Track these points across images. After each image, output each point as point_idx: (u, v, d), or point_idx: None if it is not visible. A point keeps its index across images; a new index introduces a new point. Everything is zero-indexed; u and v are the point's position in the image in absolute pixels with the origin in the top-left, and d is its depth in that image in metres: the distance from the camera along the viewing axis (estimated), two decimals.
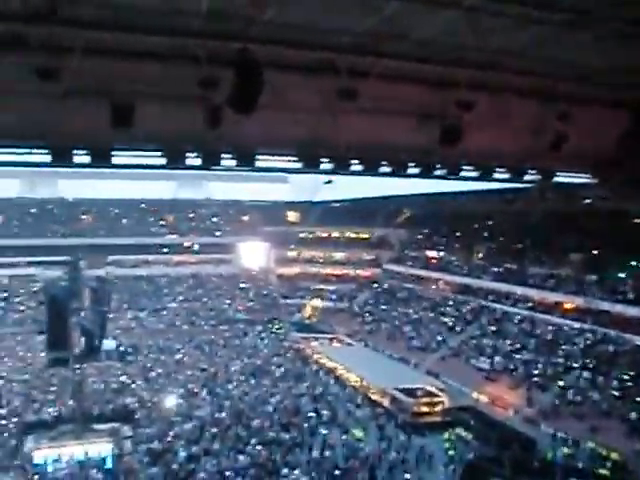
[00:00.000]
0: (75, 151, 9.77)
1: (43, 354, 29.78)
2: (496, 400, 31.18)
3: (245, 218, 66.90)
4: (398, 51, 8.37)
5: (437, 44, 8.25)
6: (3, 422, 26.04)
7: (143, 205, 66.25)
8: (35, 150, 9.68)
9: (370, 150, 11.19)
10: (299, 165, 11.09)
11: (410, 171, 11.79)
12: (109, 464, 21.65)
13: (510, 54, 8.56)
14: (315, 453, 22.84)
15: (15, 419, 26.45)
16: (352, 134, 10.38)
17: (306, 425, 25.93)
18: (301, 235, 66.97)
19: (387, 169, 11.62)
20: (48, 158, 9.66)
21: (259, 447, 22.69)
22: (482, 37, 7.76)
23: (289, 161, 11.24)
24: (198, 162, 10.58)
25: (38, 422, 26.17)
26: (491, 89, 9.66)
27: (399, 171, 11.70)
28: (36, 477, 20.49)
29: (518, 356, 35.06)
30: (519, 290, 41.42)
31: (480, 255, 49.35)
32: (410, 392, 30.33)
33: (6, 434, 24.66)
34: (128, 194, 65.02)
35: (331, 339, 48.14)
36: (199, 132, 9.08)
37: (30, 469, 21.08)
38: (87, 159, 9.88)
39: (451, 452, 24.32)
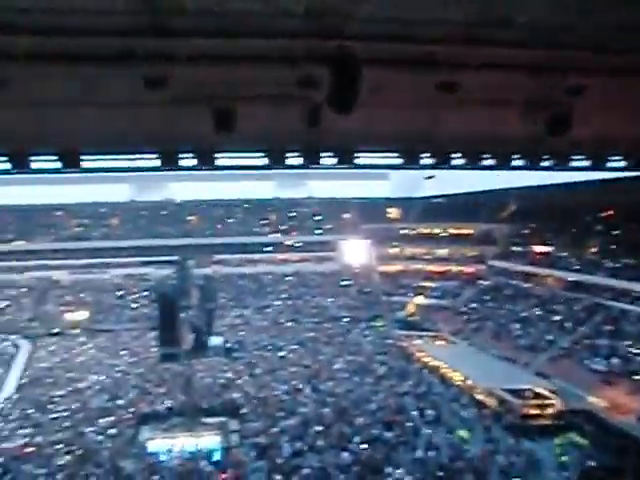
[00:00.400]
0: (182, 155, 10.25)
1: (155, 349, 31.31)
2: (614, 405, 29.22)
3: (346, 216, 67.22)
4: (500, 38, 7.99)
5: (542, 27, 7.79)
6: (121, 412, 27.71)
7: (246, 205, 68.31)
8: (145, 155, 10.27)
9: (472, 143, 10.84)
10: (399, 161, 10.95)
11: (515, 163, 11.33)
12: (217, 456, 22.48)
13: (626, 30, 7.92)
14: (419, 452, 22.52)
15: (131, 410, 28.12)
16: (453, 127, 10.11)
17: (409, 424, 25.61)
18: (402, 232, 66.32)
19: (490, 162, 11.23)
20: (157, 162, 10.19)
21: (362, 445, 22.70)
22: (593, 15, 7.26)
23: (389, 157, 11.13)
24: (299, 161, 10.73)
25: (152, 414, 27.66)
26: (603, 71, 9.01)
27: (503, 163, 11.27)
28: (151, 465, 21.58)
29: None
30: (639, 286, 38.67)
31: (593, 250, 46.54)
32: (518, 393, 29.14)
33: (124, 424, 26.21)
34: (232, 195, 67.35)
35: (434, 337, 47.41)
36: (299, 131, 9.18)
37: (145, 457, 22.31)
38: (193, 162, 10.32)
39: (564, 458, 23.05)
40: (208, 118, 8.65)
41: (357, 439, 23.28)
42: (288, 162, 10.67)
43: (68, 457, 21.72)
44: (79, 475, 19.95)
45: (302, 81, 8.07)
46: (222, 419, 26.81)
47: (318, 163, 10.75)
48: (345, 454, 21.73)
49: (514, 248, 56.77)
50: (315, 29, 7.62)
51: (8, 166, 9.78)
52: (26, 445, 23.32)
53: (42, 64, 7.72)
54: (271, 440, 23.30)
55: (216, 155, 10.34)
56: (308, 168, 11.09)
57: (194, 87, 8.60)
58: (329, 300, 56.64)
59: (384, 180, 75.41)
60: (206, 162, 10.32)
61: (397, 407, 27.98)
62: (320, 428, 24.58)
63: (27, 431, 25.30)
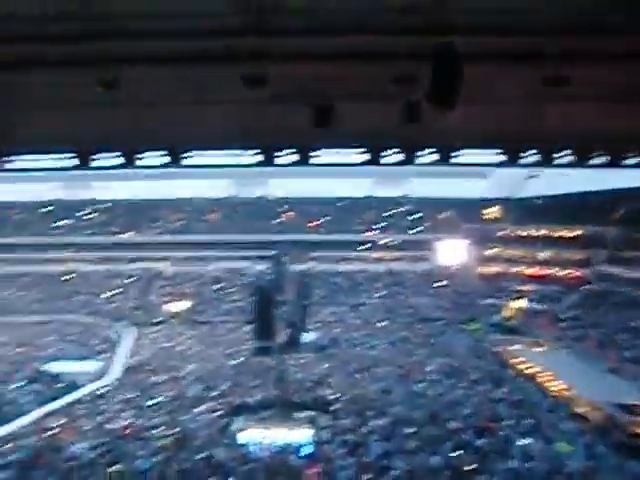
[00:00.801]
0: (280, 152, 10.40)
1: (250, 343, 32.00)
2: None
3: (442, 215, 66.00)
4: (615, 26, 7.46)
5: None
6: (213, 403, 28.57)
7: (342, 203, 68.58)
8: (244, 152, 10.51)
9: (580, 140, 10.23)
10: (501, 159, 10.53)
11: (629, 161, 10.59)
12: (307, 451, 22.67)
13: None
14: (513, 462, 21.63)
15: (225, 400, 28.92)
16: (559, 123, 9.59)
17: (503, 432, 24.69)
18: (501, 233, 64.21)
19: (601, 160, 10.55)
20: (256, 159, 10.40)
21: (453, 450, 22.14)
22: None
23: (491, 155, 10.74)
24: (397, 159, 10.57)
25: (244, 405, 28.30)
26: None
27: (616, 162, 10.55)
28: (242, 455, 22.07)
29: None
30: None
31: None
32: (627, 408, 27.23)
33: (216, 414, 26.99)
34: (328, 192, 67.92)
35: (533, 343, 45.54)
36: (397, 128, 9.04)
37: (236, 447, 22.87)
38: (291, 159, 10.43)
39: None
40: (306, 115, 8.71)
41: (448, 444, 22.74)
42: (386, 159, 10.55)
43: (165, 441, 22.68)
44: (175, 459, 20.79)
45: (401, 77, 7.94)
46: (312, 414, 27.03)
47: (416, 161, 10.55)
48: (435, 458, 21.27)
49: (624, 253, 53.42)
50: (414, 24, 7.46)
51: (120, 162, 10.35)
52: (127, 427, 24.64)
53: (150, 66, 8.08)
54: (360, 439, 23.22)
55: (314, 152, 10.41)
56: (406, 165, 10.88)
57: (293, 84, 8.68)
58: (423, 300, 55.85)
59: (482, 179, 73.33)
60: (304, 159, 10.42)
61: (490, 414, 27.06)
62: (410, 430, 24.21)
63: (128, 414, 26.73)
